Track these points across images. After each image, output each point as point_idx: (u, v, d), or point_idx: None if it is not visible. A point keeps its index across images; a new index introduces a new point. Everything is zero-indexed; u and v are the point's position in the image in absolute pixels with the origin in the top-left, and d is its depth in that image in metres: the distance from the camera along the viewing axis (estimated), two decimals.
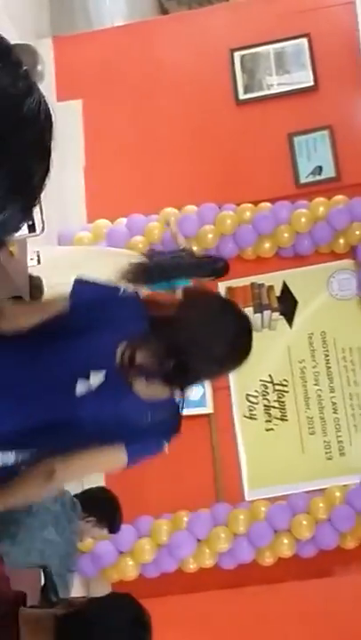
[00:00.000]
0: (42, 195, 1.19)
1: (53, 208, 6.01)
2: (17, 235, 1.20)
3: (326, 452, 6.18)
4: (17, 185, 1.10)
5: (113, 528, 4.51)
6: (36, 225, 1.15)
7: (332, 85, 6.81)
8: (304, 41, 6.95)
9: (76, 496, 4.27)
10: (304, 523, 5.83)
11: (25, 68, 1.12)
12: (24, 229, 1.21)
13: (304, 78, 6.92)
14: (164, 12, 10.51)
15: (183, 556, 5.88)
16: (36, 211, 1.19)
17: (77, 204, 6.70)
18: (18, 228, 1.17)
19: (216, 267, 5.51)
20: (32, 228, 1.14)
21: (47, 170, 1.14)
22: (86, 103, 7.05)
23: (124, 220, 6.51)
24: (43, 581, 3.14)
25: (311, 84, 6.85)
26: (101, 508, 4.42)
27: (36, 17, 7.14)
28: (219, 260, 5.62)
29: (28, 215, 1.15)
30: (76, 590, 5.12)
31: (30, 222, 1.14)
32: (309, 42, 6.91)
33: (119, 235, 6.41)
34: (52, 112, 1.13)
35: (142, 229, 6.43)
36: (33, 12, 7.05)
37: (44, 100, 1.12)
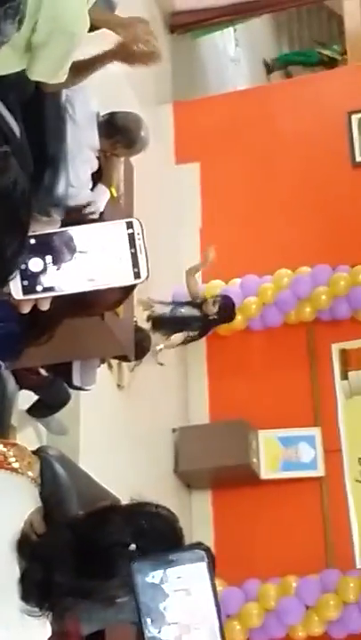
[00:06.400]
0: (145, 240, 1.22)
1: (169, 267, 6.11)
2: (123, 282, 1.23)
3: None
4: None
5: None
6: (141, 272, 1.15)
7: None
8: None
9: None
10: None
11: (4, 149, 1.16)
12: (130, 276, 1.23)
13: None
14: (288, 75, 10.63)
15: (291, 623, 5.76)
16: (142, 257, 1.21)
17: (193, 264, 6.76)
18: None
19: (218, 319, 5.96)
20: (137, 275, 1.15)
21: (22, 244, 1.16)
22: (204, 166, 7.19)
23: (238, 281, 6.55)
24: None
25: None
26: None
27: (159, 83, 7.36)
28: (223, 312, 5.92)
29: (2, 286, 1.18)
30: None
31: (136, 269, 1.15)
32: None
33: (232, 295, 6.43)
34: (26, 189, 1.16)
35: (255, 290, 6.45)
36: (155, 79, 7.26)
37: (23, 178, 1.16)
